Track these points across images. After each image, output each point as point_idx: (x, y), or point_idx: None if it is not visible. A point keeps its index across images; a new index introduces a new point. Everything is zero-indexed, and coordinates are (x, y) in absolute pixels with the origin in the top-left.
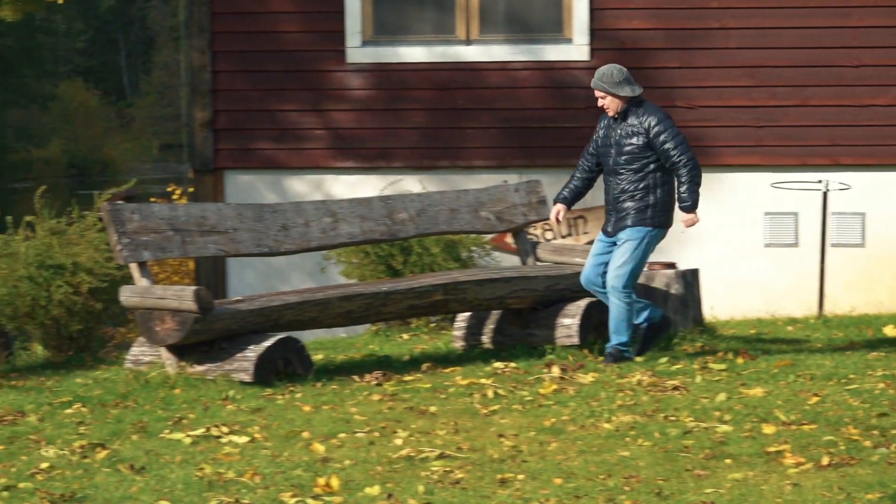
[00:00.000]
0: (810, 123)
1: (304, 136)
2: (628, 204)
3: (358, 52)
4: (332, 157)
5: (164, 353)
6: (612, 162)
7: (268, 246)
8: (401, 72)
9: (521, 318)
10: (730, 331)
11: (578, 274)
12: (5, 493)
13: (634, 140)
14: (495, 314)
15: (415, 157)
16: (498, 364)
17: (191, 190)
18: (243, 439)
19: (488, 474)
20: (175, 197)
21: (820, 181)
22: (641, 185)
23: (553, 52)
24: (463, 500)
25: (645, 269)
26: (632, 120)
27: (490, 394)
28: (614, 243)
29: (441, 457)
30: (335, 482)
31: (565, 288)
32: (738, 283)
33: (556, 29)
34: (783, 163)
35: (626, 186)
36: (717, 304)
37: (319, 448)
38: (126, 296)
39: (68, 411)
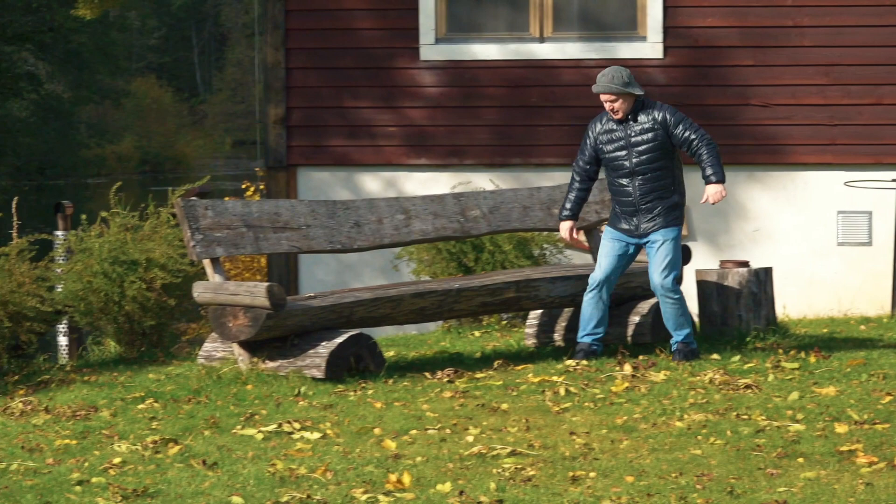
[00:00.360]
0: (884, 122)
1: (376, 132)
2: (657, 203)
3: (431, 49)
4: (405, 153)
5: (237, 349)
6: (632, 164)
7: (340, 242)
8: (474, 69)
9: None
10: (802, 329)
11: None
12: (78, 488)
13: (651, 136)
14: (567, 312)
15: (487, 154)
16: (570, 362)
17: (262, 187)
18: (315, 435)
19: (560, 472)
20: (248, 194)
21: (894, 179)
22: (665, 183)
23: (626, 50)
24: (534, 498)
25: (718, 266)
26: (642, 118)
27: (562, 391)
28: (636, 244)
29: (512, 454)
30: (407, 479)
31: (637, 286)
32: (810, 282)
33: (629, 27)
34: (857, 161)
35: (653, 185)
36: (789, 303)
37: (391, 444)
38: (199, 292)
39: (141, 407)
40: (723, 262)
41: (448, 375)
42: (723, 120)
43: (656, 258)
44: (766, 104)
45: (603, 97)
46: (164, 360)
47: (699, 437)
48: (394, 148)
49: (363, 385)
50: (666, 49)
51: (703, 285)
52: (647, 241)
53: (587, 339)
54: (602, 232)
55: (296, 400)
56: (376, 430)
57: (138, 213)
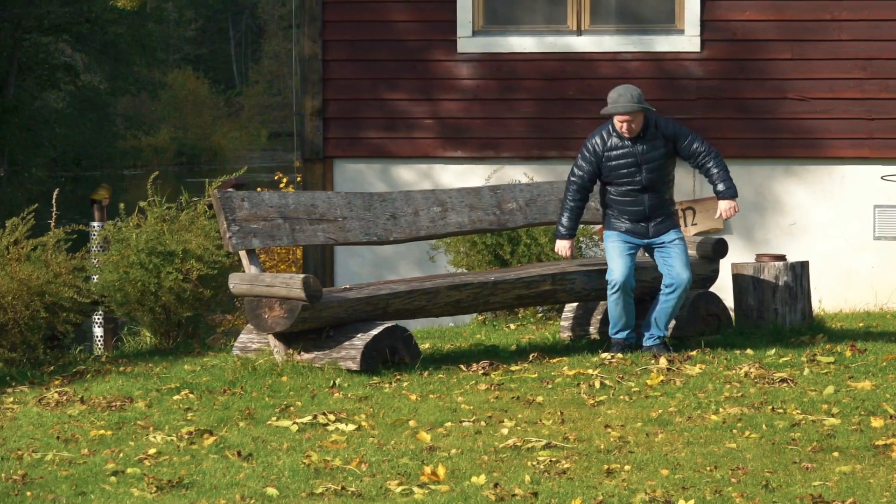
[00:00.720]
0: None
1: (413, 125)
2: (666, 210)
3: (469, 41)
4: (441, 146)
5: (272, 341)
6: (644, 179)
7: (376, 234)
8: (511, 62)
9: None
10: (838, 324)
11: (693, 265)
12: (113, 479)
13: (661, 152)
14: (603, 305)
15: (523, 147)
16: (605, 355)
17: (298, 179)
18: (350, 427)
19: (594, 465)
20: (282, 185)
21: None
22: (671, 193)
23: (664, 44)
24: (569, 490)
25: (754, 260)
26: (650, 135)
27: (597, 384)
28: (641, 245)
29: (547, 447)
30: (441, 471)
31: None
32: (846, 276)
33: (667, 20)
34: (894, 155)
35: (664, 198)
36: (825, 297)
37: (426, 437)
38: (235, 283)
39: (176, 398)
40: (759, 256)
41: (483, 368)
42: (760, 114)
43: (676, 254)
44: (803, 98)
45: (620, 118)
46: (199, 352)
47: (734, 431)
48: (430, 140)
49: (398, 377)
50: (703, 42)
51: (739, 279)
52: (659, 242)
53: (621, 336)
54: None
55: (331, 392)
56: (411, 423)
57: (175, 204)
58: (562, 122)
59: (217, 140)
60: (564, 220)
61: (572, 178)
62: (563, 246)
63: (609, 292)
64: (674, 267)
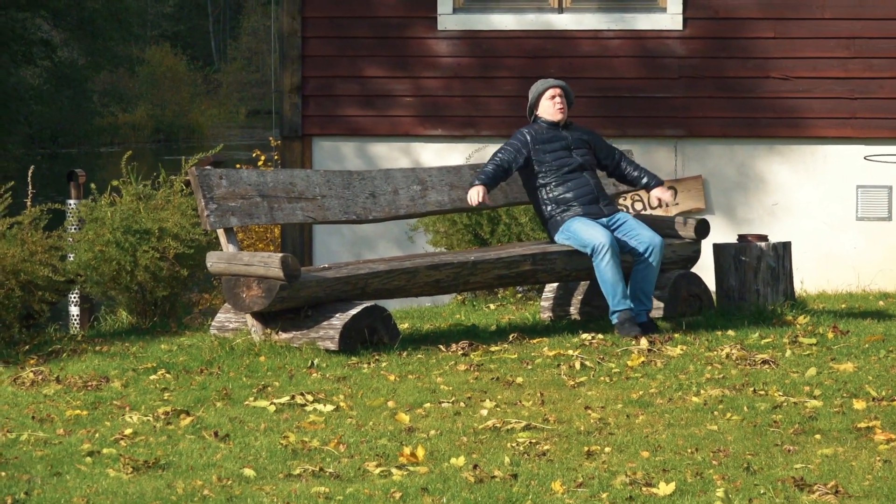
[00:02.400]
0: None
1: (392, 102)
2: (609, 196)
3: (449, 18)
4: (420, 123)
5: (250, 320)
6: (580, 160)
7: (356, 213)
8: (491, 39)
9: None
10: (820, 305)
11: (672, 246)
12: (89, 459)
13: (587, 144)
14: (583, 285)
15: (504, 125)
16: (585, 335)
17: (276, 157)
18: (328, 408)
19: (575, 446)
20: (260, 163)
21: None
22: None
23: (646, 21)
24: (549, 472)
25: (736, 241)
26: (574, 128)
27: (577, 365)
28: (609, 223)
29: (527, 428)
30: (420, 452)
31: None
32: (829, 257)
33: None
34: (877, 135)
35: (601, 183)
36: (807, 278)
37: (404, 418)
38: (212, 262)
39: (153, 377)
40: (741, 236)
41: (463, 348)
42: (743, 92)
43: (637, 224)
44: (786, 77)
45: (553, 90)
46: (176, 331)
47: (715, 413)
48: (410, 118)
49: (377, 357)
50: (686, 20)
51: (720, 259)
52: (615, 221)
53: (624, 306)
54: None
55: (309, 372)
56: (390, 403)
57: (150, 181)
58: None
59: (195, 117)
60: (484, 172)
61: (493, 159)
62: (477, 189)
63: (597, 260)
64: (640, 233)
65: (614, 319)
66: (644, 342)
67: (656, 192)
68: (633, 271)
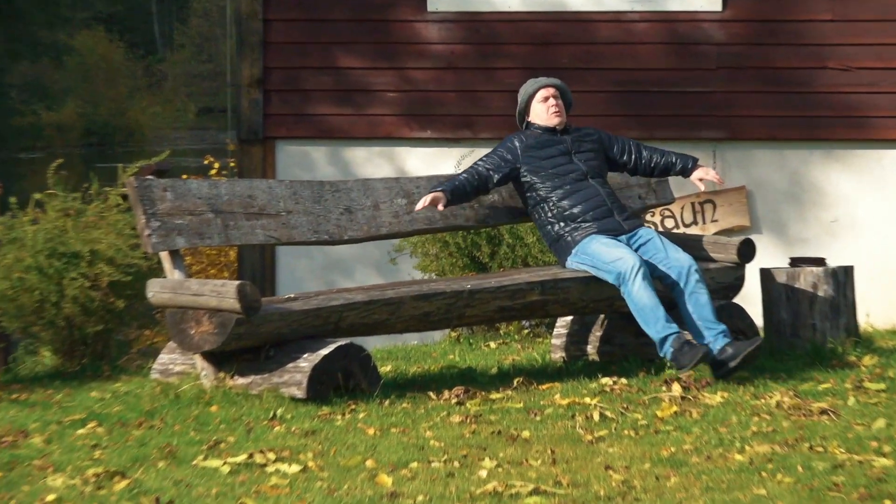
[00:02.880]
0: None
1: (373, 98)
2: (626, 208)
3: None
4: (407, 124)
5: (200, 362)
6: (584, 167)
7: (328, 232)
8: (492, 23)
9: (635, 325)
10: (890, 342)
11: (709, 271)
12: None
13: (595, 146)
14: (603, 319)
15: (506, 125)
16: (606, 380)
17: (232, 164)
18: (293, 468)
19: None
20: (213, 172)
21: None
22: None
23: (678, 1)
24: None
25: (787, 265)
26: (574, 131)
27: (595, 416)
28: (630, 240)
29: (535, 493)
30: None
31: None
32: None
33: None
34: None
35: (614, 192)
36: (873, 310)
37: (386, 480)
38: (154, 291)
39: (81, 432)
40: (793, 260)
41: (457, 396)
42: (794, 86)
43: (664, 245)
44: (846, 67)
45: (545, 91)
46: (110, 375)
47: (764, 474)
48: (393, 117)
49: (353, 407)
50: (725, 0)
51: (769, 288)
52: (637, 239)
53: (671, 330)
54: (647, 223)
55: (270, 425)
56: (369, 463)
57: (80, 194)
58: None
59: (134, 116)
60: (449, 180)
61: (469, 167)
62: (431, 196)
63: (627, 286)
64: (670, 255)
65: (667, 351)
66: (677, 388)
67: (698, 174)
68: (680, 305)
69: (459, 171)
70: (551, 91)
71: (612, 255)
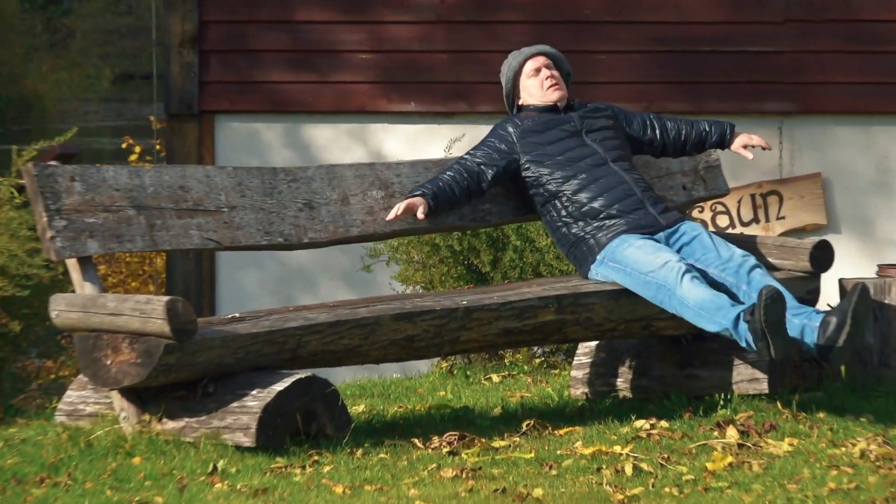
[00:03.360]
0: None
1: (340, 61)
2: (658, 196)
3: None
4: (384, 94)
5: (118, 401)
6: (601, 149)
7: (283, 234)
8: None
9: (679, 353)
10: None
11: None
12: None
13: (607, 122)
14: (637, 345)
15: None
16: (640, 423)
17: (158, 147)
18: None
19: None
20: (134, 156)
21: None
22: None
23: None
24: None
25: (875, 274)
26: (580, 106)
27: (628, 469)
28: (669, 239)
29: None
30: None
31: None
32: None
33: None
34: None
35: (642, 177)
36: None
37: None
38: (60, 310)
39: None
40: (883, 268)
41: (450, 443)
42: (883, 44)
43: (715, 243)
44: None
45: (536, 60)
46: (2, 418)
47: None
48: (367, 85)
49: (316, 458)
50: None
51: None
52: (680, 237)
53: (739, 309)
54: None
55: (209, 481)
56: None
57: None
58: (573, 57)
59: (32, 84)
60: (430, 182)
61: (466, 158)
62: (407, 202)
63: (677, 289)
64: (722, 256)
65: (744, 331)
66: (733, 433)
67: (740, 141)
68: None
69: (444, 168)
70: (541, 60)
71: (651, 263)
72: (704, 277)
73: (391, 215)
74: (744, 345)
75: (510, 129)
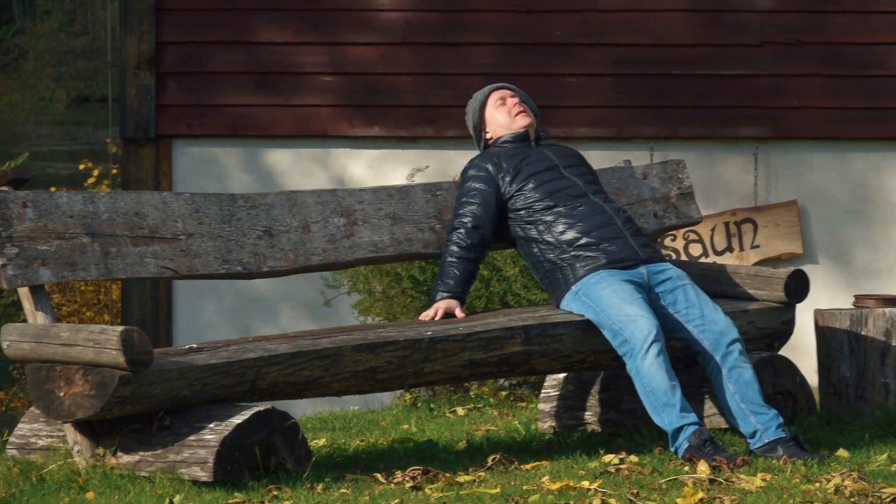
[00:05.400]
0: None
1: (302, 84)
2: (638, 229)
3: None
4: (346, 118)
5: (71, 434)
6: (579, 180)
7: (241, 262)
8: None
9: None
10: None
11: (748, 314)
12: None
13: (581, 161)
14: (607, 377)
15: None
16: (610, 457)
17: (115, 171)
18: None
19: None
20: (91, 181)
21: None
22: None
23: None
24: None
25: (851, 305)
26: (548, 145)
27: None
28: (645, 285)
29: None
30: None
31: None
32: None
33: None
34: None
35: (618, 207)
36: None
37: None
38: (11, 340)
39: None
40: (859, 298)
41: (413, 478)
42: (860, 68)
43: (698, 295)
44: None
45: (500, 93)
46: None
47: None
48: (328, 109)
49: (275, 493)
50: None
51: (826, 335)
52: (662, 278)
53: (690, 419)
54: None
55: None
56: None
57: None
58: (541, 80)
59: None
60: (447, 277)
61: (462, 218)
62: (443, 305)
63: (636, 360)
64: (706, 316)
65: (681, 447)
66: (704, 468)
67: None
68: (714, 381)
69: (448, 240)
70: (504, 91)
71: (623, 312)
72: (679, 331)
73: (427, 317)
74: (671, 450)
75: (489, 168)
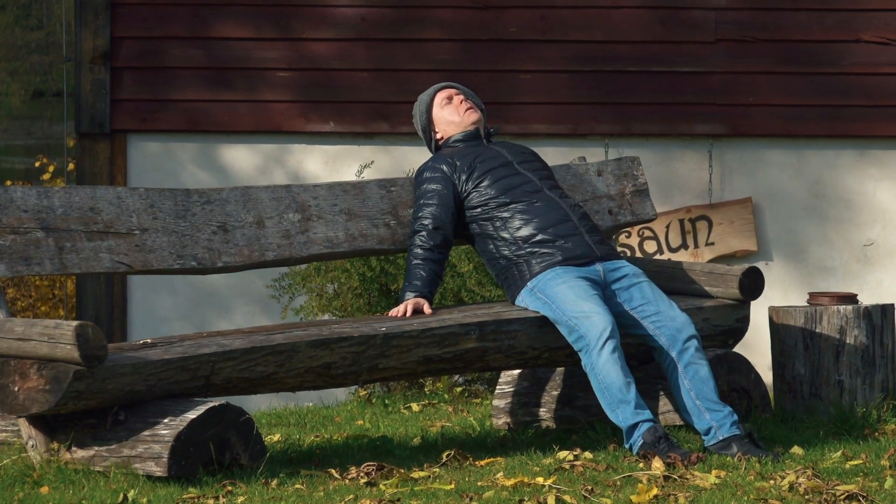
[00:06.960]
0: None
1: (258, 80)
2: (595, 226)
3: None
4: (302, 113)
5: (25, 429)
6: (533, 176)
7: (196, 258)
8: None
9: None
10: None
11: (702, 311)
12: None
13: (535, 157)
14: (561, 374)
15: None
16: (564, 454)
17: (71, 167)
18: None
19: None
20: (46, 176)
21: None
22: None
23: None
24: None
25: (805, 303)
26: (500, 143)
27: (551, 501)
28: (601, 282)
29: None
30: None
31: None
32: None
33: None
34: None
35: (574, 203)
36: None
37: None
38: None
39: None
40: (814, 296)
41: (367, 474)
42: (816, 65)
43: (654, 291)
44: (887, 41)
45: (446, 92)
46: None
47: None
48: (284, 104)
49: (230, 489)
50: None
51: (781, 332)
52: (618, 276)
53: (644, 416)
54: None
55: None
56: None
57: None
58: (497, 76)
59: None
60: (414, 277)
61: (423, 220)
62: (410, 304)
63: (591, 356)
64: (662, 312)
65: (636, 443)
66: (658, 465)
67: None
68: (671, 377)
69: (411, 239)
70: (450, 90)
71: (578, 309)
72: (635, 328)
73: (398, 313)
74: (626, 446)
75: (444, 168)
